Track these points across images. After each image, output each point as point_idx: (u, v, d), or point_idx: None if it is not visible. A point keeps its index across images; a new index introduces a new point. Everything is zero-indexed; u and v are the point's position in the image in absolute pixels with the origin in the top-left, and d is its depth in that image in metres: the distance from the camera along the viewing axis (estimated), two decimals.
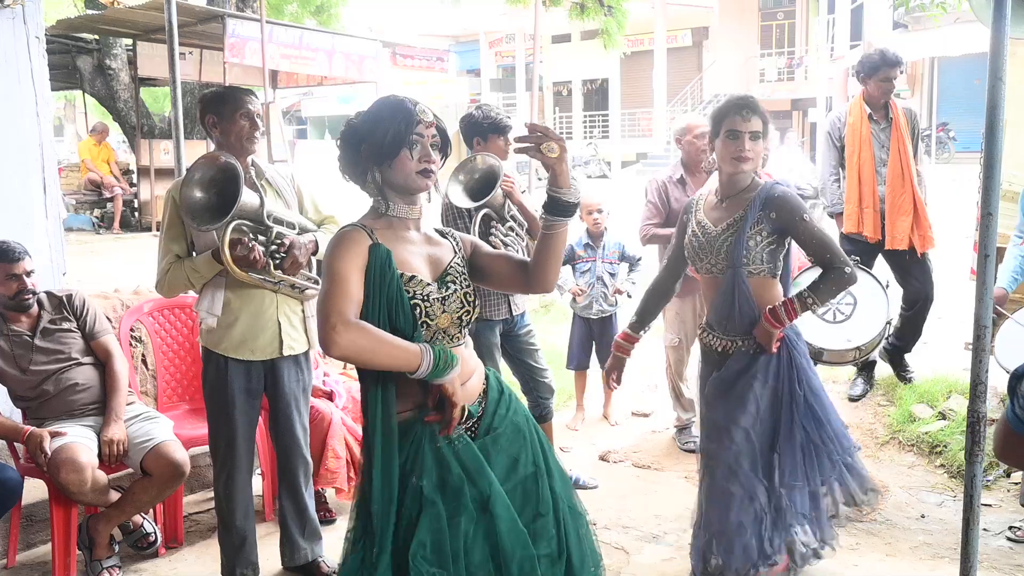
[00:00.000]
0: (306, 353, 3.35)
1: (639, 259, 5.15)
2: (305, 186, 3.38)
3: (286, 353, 3.24)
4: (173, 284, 3.16)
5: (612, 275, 5.14)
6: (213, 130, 3.13)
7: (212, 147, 3.23)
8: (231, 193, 2.90)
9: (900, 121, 4.96)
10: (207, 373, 3.25)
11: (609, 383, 3.27)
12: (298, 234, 3.15)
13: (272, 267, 3.07)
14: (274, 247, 3.07)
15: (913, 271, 4.99)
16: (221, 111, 3.09)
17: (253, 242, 3.00)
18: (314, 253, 3.20)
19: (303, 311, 3.30)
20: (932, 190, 5.34)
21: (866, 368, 5.39)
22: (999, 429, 1.53)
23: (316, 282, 3.28)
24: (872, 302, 3.79)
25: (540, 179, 19.98)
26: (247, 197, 2.93)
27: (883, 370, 5.43)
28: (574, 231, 5.19)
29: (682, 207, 3.28)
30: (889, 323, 3.79)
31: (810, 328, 3.78)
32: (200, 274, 3.11)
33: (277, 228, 3.08)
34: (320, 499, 3.99)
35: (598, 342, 5.22)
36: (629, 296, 5.01)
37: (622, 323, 5.31)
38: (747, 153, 2.84)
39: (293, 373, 3.30)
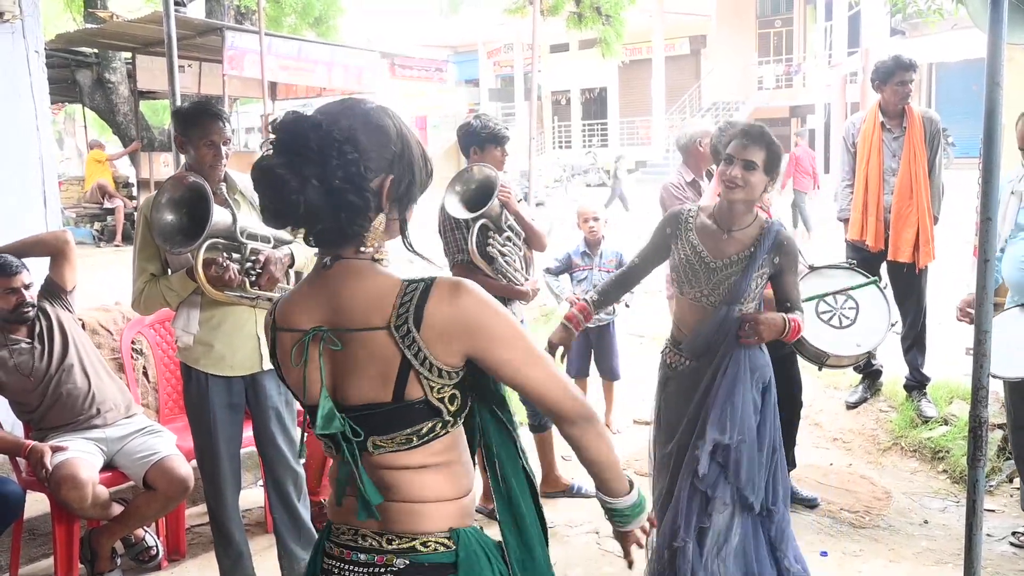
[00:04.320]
0: None
1: None
2: None
3: (266, 367, 3.21)
4: (150, 303, 3.14)
5: None
6: (180, 149, 3.11)
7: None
8: (202, 213, 2.86)
9: (915, 130, 4.84)
10: (188, 390, 3.23)
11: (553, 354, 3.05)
12: (273, 247, 3.12)
13: (248, 284, 3.04)
14: (249, 264, 3.04)
15: (910, 286, 4.94)
16: (188, 135, 3.06)
17: (227, 261, 2.97)
18: (291, 266, 3.17)
19: None
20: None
21: (869, 376, 5.38)
22: None
23: None
24: (874, 304, 3.79)
25: (537, 188, 19.99)
26: (218, 216, 2.88)
27: (885, 376, 5.43)
28: (572, 239, 5.21)
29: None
30: (893, 325, 3.78)
31: (815, 333, 3.78)
32: (175, 292, 3.08)
33: (251, 244, 3.04)
34: (322, 510, 3.98)
35: (596, 350, 5.22)
36: (627, 306, 4.99)
37: (620, 331, 5.33)
38: (736, 180, 2.80)
39: (274, 386, 3.26)
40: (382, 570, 1.56)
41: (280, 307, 1.64)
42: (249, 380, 3.22)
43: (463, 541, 1.57)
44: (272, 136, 1.50)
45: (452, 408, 1.56)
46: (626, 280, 3.17)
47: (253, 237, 3.06)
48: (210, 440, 3.20)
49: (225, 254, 2.99)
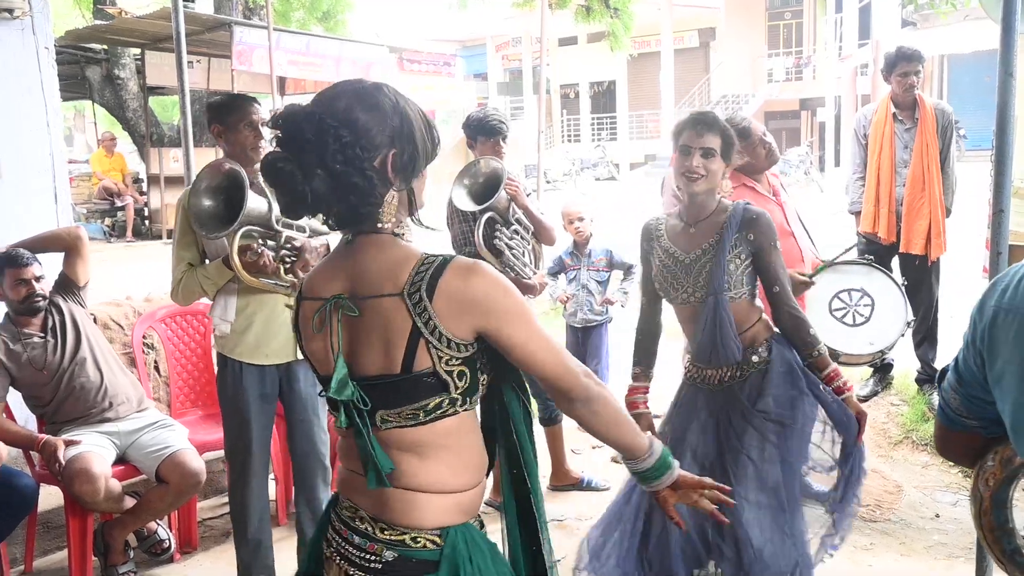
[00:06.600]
0: None
1: (632, 266, 4.96)
2: None
3: (300, 356, 3.22)
4: (188, 292, 3.17)
5: (600, 283, 4.99)
6: (219, 139, 3.16)
7: (221, 154, 3.25)
8: (238, 200, 2.90)
9: (927, 122, 4.84)
10: (223, 379, 3.24)
11: None
12: (309, 236, 3.15)
13: (283, 271, 3.07)
14: (284, 251, 3.07)
15: (921, 277, 4.91)
16: (226, 120, 3.11)
17: (262, 248, 3.00)
18: (325, 255, 3.19)
19: None
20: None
21: (881, 369, 5.35)
22: (935, 425, 1.56)
23: None
24: (890, 303, 3.70)
25: (549, 182, 20.02)
26: (254, 203, 2.91)
27: (897, 370, 5.41)
28: (562, 240, 5.14)
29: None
30: (909, 324, 3.70)
31: (827, 330, 3.73)
32: (212, 281, 3.11)
33: (287, 232, 3.07)
34: None
35: (584, 350, 5.12)
36: (623, 306, 4.91)
37: (613, 334, 5.24)
38: (697, 169, 2.70)
39: (309, 376, 3.26)
40: (372, 558, 1.59)
41: (308, 278, 1.71)
42: (284, 369, 3.24)
43: (450, 540, 1.59)
44: (276, 131, 1.55)
45: (460, 385, 1.57)
46: (648, 326, 3.04)
47: (289, 225, 3.08)
48: (243, 429, 3.20)
49: (260, 241, 3.02)
